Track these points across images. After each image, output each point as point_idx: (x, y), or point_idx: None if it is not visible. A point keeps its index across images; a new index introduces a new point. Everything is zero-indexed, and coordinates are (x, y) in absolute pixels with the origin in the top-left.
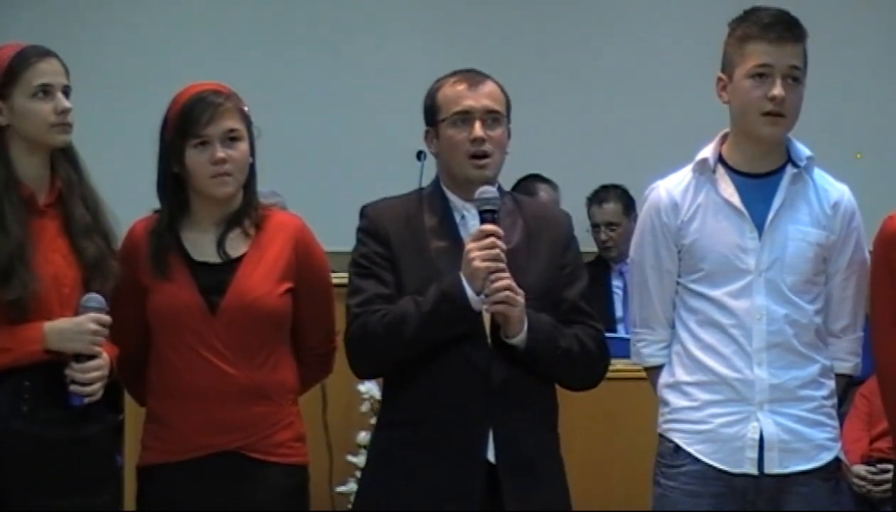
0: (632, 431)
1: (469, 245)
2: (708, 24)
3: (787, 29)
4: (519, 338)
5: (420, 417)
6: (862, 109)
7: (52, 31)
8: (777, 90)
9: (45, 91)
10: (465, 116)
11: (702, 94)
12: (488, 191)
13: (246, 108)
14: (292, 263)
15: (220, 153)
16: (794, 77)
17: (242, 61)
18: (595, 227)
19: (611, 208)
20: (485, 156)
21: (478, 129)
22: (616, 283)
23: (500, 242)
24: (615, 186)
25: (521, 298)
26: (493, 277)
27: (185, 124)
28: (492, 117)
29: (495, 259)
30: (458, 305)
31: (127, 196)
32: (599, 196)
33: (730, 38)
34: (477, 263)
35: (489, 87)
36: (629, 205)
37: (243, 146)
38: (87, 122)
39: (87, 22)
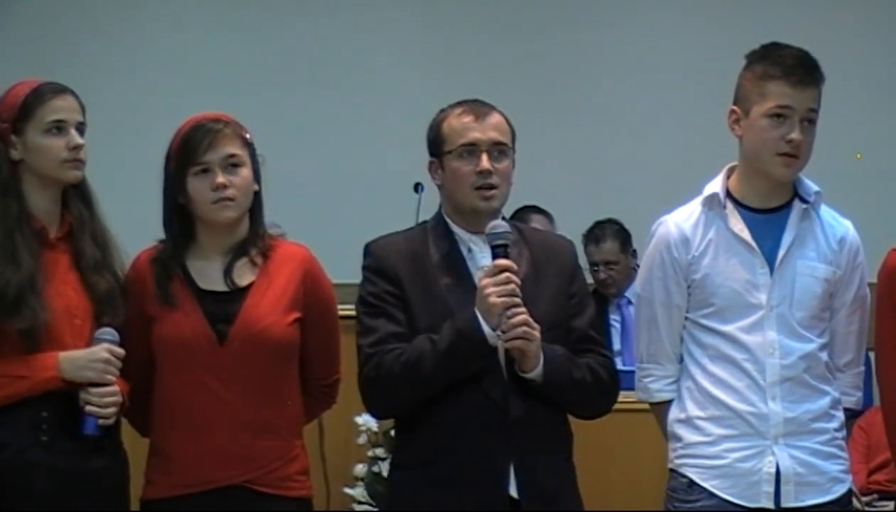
0: (629, 462)
1: (484, 281)
2: (705, 60)
3: (809, 73)
4: (535, 372)
5: (440, 456)
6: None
7: (60, 66)
8: (795, 133)
9: (59, 127)
10: (472, 149)
11: (698, 128)
12: (500, 225)
13: (248, 135)
14: (300, 293)
15: (221, 178)
16: (811, 119)
17: (245, 95)
18: (593, 266)
19: (608, 247)
20: (491, 188)
21: (485, 161)
22: (614, 316)
23: (514, 277)
24: (611, 221)
25: (537, 333)
26: (509, 312)
27: (185, 153)
28: (498, 149)
29: (511, 294)
30: (475, 341)
31: (137, 233)
32: (595, 235)
33: (748, 72)
34: (493, 299)
35: (496, 118)
36: (626, 240)
37: (245, 172)
38: (96, 158)
39: (93, 58)
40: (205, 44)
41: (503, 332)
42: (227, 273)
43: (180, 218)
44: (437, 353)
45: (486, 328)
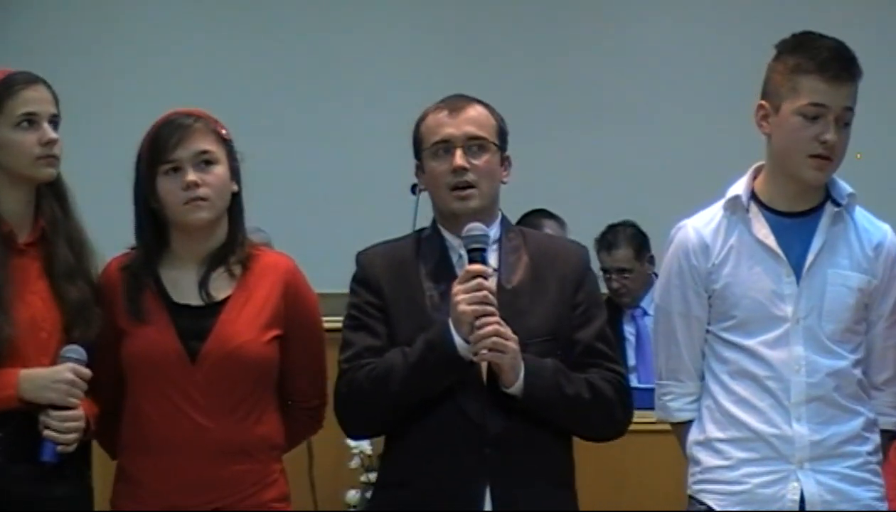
0: (644, 487)
1: (455, 288)
2: (723, 56)
3: (846, 67)
4: (515, 387)
5: (415, 476)
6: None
7: (45, 62)
8: (830, 134)
9: (30, 121)
10: (446, 145)
11: (719, 126)
12: (476, 228)
13: (224, 132)
14: (280, 309)
15: (192, 176)
16: (847, 120)
17: (231, 95)
18: (606, 273)
19: (622, 254)
20: (468, 186)
21: (458, 157)
22: (628, 328)
23: (486, 284)
24: (625, 224)
25: (512, 345)
26: (479, 322)
27: (154, 151)
28: (476, 144)
29: (482, 302)
30: (445, 353)
31: (115, 237)
32: (608, 240)
33: (778, 64)
34: (462, 307)
35: (473, 111)
36: (641, 246)
37: (219, 170)
38: (72, 156)
39: (68, 48)
40: (188, 40)
41: (474, 343)
42: (203, 285)
43: (153, 224)
44: (408, 365)
45: (457, 339)
